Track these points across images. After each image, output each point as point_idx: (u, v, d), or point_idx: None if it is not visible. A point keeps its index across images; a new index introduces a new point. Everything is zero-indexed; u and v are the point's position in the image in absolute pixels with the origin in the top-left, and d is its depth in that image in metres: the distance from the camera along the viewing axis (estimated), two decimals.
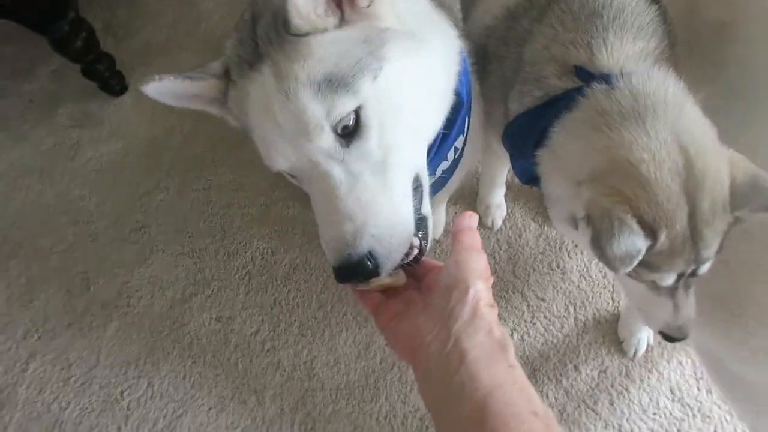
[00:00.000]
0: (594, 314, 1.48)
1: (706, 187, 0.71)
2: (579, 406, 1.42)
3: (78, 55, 1.69)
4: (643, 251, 0.70)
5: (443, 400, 0.58)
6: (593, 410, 1.41)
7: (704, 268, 0.77)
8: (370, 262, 0.65)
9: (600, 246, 0.71)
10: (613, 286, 1.51)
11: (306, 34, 0.66)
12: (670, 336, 0.86)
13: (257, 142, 0.71)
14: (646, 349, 1.44)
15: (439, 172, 0.92)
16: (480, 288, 0.62)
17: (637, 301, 0.87)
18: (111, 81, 1.79)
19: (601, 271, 1.51)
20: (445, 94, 0.82)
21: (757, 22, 0.88)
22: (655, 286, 0.81)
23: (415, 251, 0.72)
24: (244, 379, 1.44)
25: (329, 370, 1.44)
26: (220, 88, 0.73)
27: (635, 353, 1.43)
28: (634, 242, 0.69)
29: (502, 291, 1.49)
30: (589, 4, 0.84)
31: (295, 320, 1.49)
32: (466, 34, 0.97)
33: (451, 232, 0.67)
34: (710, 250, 0.74)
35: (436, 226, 1.53)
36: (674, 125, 0.73)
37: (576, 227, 0.79)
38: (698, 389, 1.42)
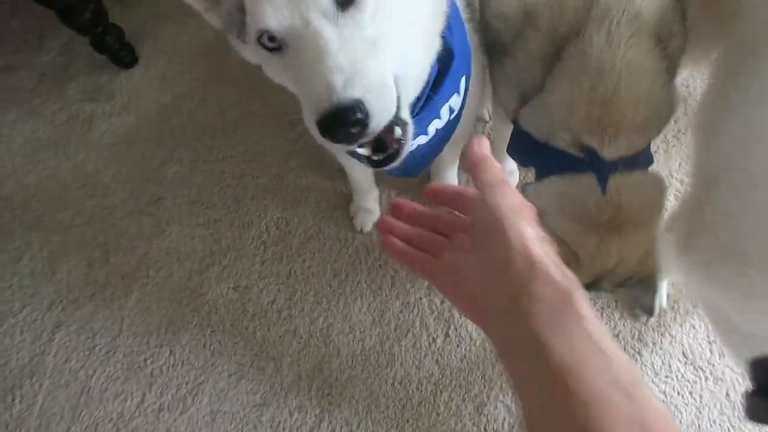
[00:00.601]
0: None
1: (617, 270, 0.97)
2: None
3: (86, 27, 1.68)
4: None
5: (519, 374, 0.51)
6: None
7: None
8: (360, 111, 0.65)
9: None
10: None
11: None
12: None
13: (250, 3, 0.69)
14: (659, 314, 1.45)
15: (432, 131, 0.93)
16: (520, 226, 0.52)
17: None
18: (121, 53, 1.78)
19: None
20: (434, 18, 0.84)
21: None
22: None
23: (395, 144, 0.74)
24: (263, 347, 1.47)
25: (344, 337, 1.47)
26: None
27: (648, 318, 1.44)
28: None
29: None
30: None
31: (310, 289, 1.52)
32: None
33: (467, 166, 0.59)
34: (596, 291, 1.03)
35: None
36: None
37: None
38: (711, 352, 1.43)
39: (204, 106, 1.74)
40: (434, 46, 0.86)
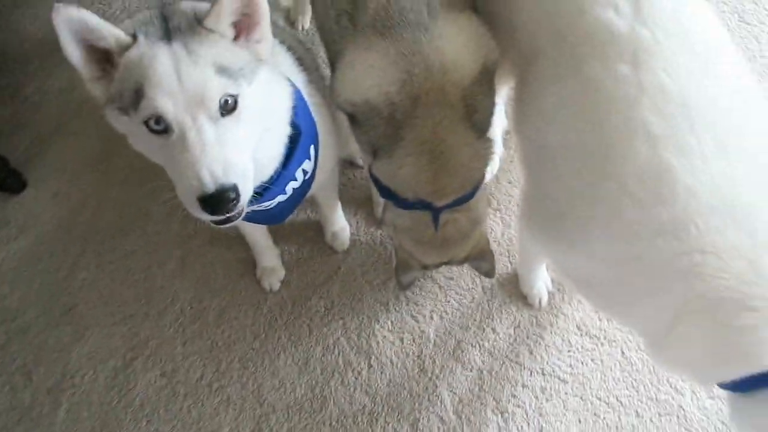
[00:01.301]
0: (497, 279, 1.65)
1: (455, 260, 1.30)
2: (504, 363, 1.58)
3: None
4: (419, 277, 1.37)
5: None
6: (517, 363, 1.58)
7: None
8: (236, 193, 0.85)
9: (396, 272, 1.36)
10: (508, 251, 1.69)
11: (213, 32, 0.88)
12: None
13: (149, 89, 0.83)
14: (549, 297, 1.62)
15: (290, 190, 1.14)
16: None
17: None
18: (8, 181, 1.83)
19: (495, 241, 1.69)
20: (284, 115, 1.06)
21: None
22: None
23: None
24: (200, 423, 1.52)
25: (276, 393, 1.55)
26: (122, 43, 0.86)
27: (540, 303, 1.61)
28: (412, 277, 1.39)
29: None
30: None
31: (234, 356, 1.59)
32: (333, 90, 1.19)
33: None
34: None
35: (343, 238, 1.67)
36: None
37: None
38: (599, 320, 1.61)
39: (100, 211, 1.80)
40: (285, 132, 1.07)
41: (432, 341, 1.60)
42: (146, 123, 0.85)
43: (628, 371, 1.57)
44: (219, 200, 0.83)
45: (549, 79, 1.02)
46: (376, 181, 1.26)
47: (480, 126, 1.14)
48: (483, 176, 1.22)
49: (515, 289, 1.64)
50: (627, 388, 1.55)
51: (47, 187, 1.82)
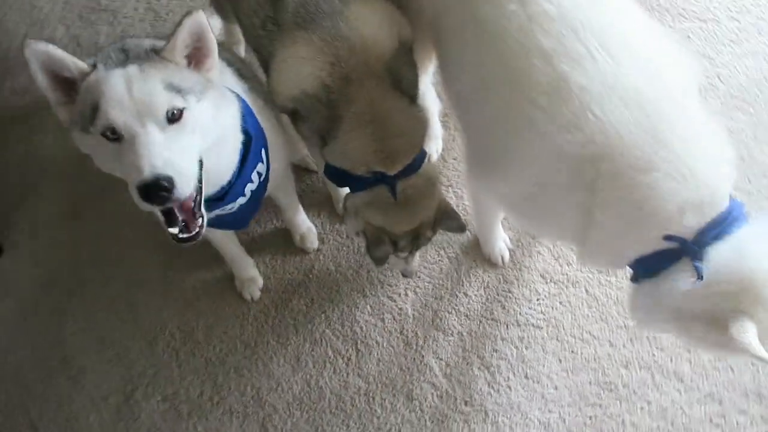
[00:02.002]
0: (460, 248, 1.76)
1: (425, 225, 1.35)
2: (481, 322, 1.69)
3: None
4: (391, 251, 1.38)
5: None
6: (492, 320, 1.69)
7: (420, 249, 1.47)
8: (169, 183, 0.94)
9: (370, 250, 1.38)
10: (465, 221, 1.80)
11: (168, 60, 1.02)
12: (405, 275, 1.61)
13: (103, 103, 0.95)
14: (510, 254, 1.73)
15: (249, 192, 1.25)
16: None
17: (393, 264, 1.55)
18: None
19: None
20: (234, 126, 1.17)
21: None
22: (402, 256, 1.47)
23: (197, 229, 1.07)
24: None
25: (275, 393, 1.63)
26: (83, 71, 0.99)
27: (503, 260, 1.72)
28: (386, 251, 1.37)
29: None
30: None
31: (229, 368, 1.67)
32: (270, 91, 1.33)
33: None
34: (422, 244, 1.43)
35: (312, 238, 1.77)
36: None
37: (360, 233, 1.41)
38: (560, 265, 1.73)
39: (78, 265, 1.86)
40: (238, 139, 1.19)
41: (411, 316, 1.70)
42: (104, 135, 0.96)
43: (595, 307, 1.68)
44: (153, 187, 0.93)
45: (453, 32, 1.17)
46: (332, 174, 1.37)
47: (409, 92, 1.27)
48: (424, 138, 1.33)
49: (478, 254, 1.75)
50: (597, 322, 1.66)
51: (23, 250, 1.89)
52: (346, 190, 1.72)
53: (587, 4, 1.04)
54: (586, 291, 1.70)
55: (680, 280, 1.01)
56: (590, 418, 1.57)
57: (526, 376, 1.62)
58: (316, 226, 1.80)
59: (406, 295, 1.72)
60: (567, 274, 1.72)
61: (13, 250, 1.90)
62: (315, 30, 1.19)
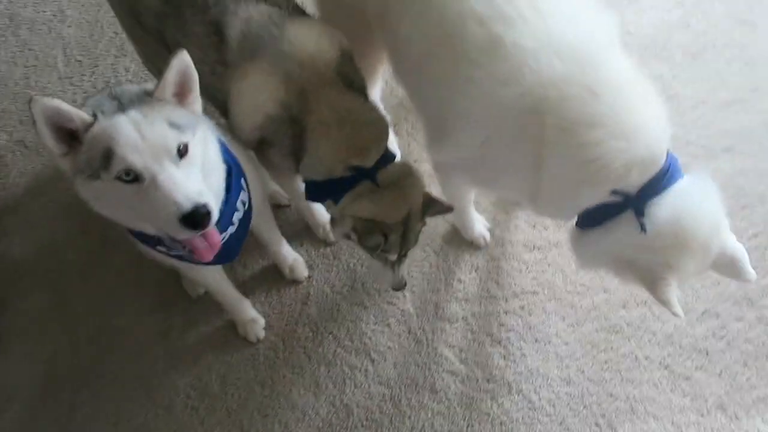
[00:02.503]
0: (442, 239, 1.84)
1: (413, 215, 1.38)
2: (481, 303, 1.75)
3: None
4: (382, 244, 1.37)
5: None
6: (491, 297, 1.75)
7: (409, 252, 1.48)
8: (208, 209, 1.04)
9: (362, 242, 1.38)
10: (443, 217, 1.88)
11: (160, 100, 1.09)
12: (396, 288, 1.55)
13: (118, 149, 1.00)
14: (490, 234, 1.82)
15: (236, 221, 1.31)
16: None
17: (381, 277, 1.55)
18: None
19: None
20: (217, 153, 1.23)
21: None
22: (387, 261, 1.46)
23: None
24: None
25: (302, 423, 1.63)
26: (86, 122, 1.03)
27: (485, 241, 1.80)
28: (377, 240, 1.35)
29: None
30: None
31: (252, 411, 1.66)
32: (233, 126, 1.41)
33: None
34: (411, 244, 1.45)
35: (300, 268, 1.81)
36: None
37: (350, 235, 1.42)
38: (538, 231, 1.82)
39: (75, 352, 1.82)
40: (223, 168, 1.25)
41: (414, 314, 1.74)
42: (119, 177, 1.01)
43: None
44: (197, 215, 1.02)
45: (401, 14, 1.28)
46: (313, 193, 1.44)
47: (361, 92, 1.37)
48: (389, 129, 1.42)
49: (461, 241, 1.82)
50: (587, 274, 1.75)
51: (16, 351, 1.85)
52: (324, 214, 1.80)
53: None
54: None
55: (622, 231, 1.13)
56: (605, 362, 1.64)
57: (536, 341, 1.68)
58: (302, 255, 1.84)
59: (405, 296, 1.77)
60: (547, 239, 1.81)
61: (5, 354, 1.86)
62: (262, 57, 1.28)
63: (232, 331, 1.77)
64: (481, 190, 1.60)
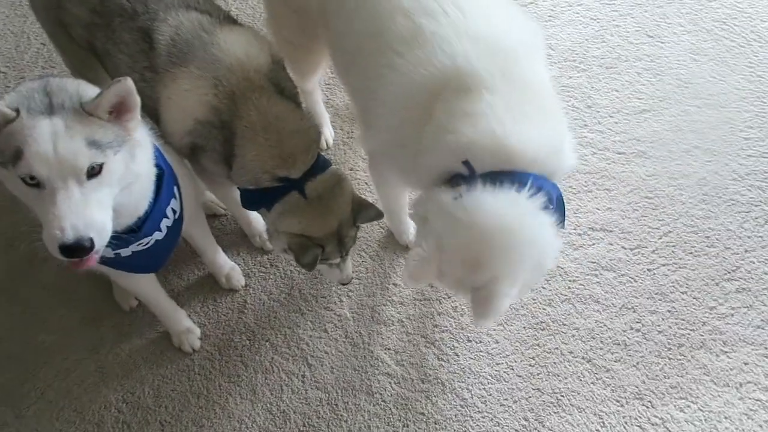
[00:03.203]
0: (378, 245, 1.88)
1: (345, 223, 1.42)
2: (415, 305, 1.80)
3: None
4: (319, 257, 1.41)
5: None
6: (425, 299, 1.80)
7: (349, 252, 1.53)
8: (91, 243, 1.02)
9: (299, 259, 1.39)
10: (378, 223, 1.93)
11: (91, 115, 1.06)
12: (344, 283, 1.61)
13: (28, 153, 0.99)
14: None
15: (165, 228, 1.30)
16: None
17: (329, 276, 1.61)
18: None
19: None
20: (150, 166, 1.22)
21: None
22: (332, 264, 1.52)
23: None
24: None
25: None
26: (8, 118, 1.01)
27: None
28: (314, 254, 1.39)
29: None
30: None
31: (187, 423, 1.64)
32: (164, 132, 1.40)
33: None
34: (349, 246, 1.49)
35: (237, 276, 1.81)
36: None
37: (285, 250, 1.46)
38: None
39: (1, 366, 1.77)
40: (153, 172, 1.24)
41: (351, 319, 1.77)
42: (22, 178, 1.00)
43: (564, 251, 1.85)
44: (75, 249, 1.01)
45: (335, 13, 1.34)
46: (247, 200, 1.45)
47: (292, 99, 1.39)
48: (319, 138, 1.45)
49: (396, 245, 1.87)
50: None
51: None
52: (261, 222, 1.81)
53: None
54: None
55: (450, 197, 1.11)
56: (533, 358, 1.72)
57: (468, 340, 1.74)
58: (239, 264, 1.84)
59: (341, 301, 1.80)
60: None
61: None
62: (191, 62, 1.29)
63: (167, 343, 1.74)
64: (409, 184, 1.61)
